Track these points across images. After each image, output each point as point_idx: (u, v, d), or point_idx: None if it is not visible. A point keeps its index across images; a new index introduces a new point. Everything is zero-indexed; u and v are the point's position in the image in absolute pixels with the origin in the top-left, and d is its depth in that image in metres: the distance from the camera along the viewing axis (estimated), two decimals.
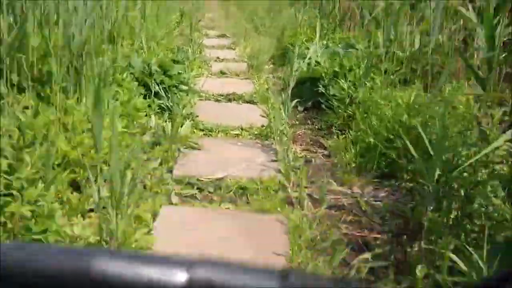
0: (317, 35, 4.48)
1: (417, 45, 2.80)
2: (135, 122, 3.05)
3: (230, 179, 2.49)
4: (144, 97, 3.56)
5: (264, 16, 7.05)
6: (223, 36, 6.97)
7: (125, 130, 2.65)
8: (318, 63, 4.06)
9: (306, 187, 2.49)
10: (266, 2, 8.16)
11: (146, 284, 0.28)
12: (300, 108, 3.84)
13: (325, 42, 4.57)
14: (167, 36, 5.04)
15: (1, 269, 0.29)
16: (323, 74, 3.69)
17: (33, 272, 0.29)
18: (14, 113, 2.08)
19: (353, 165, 2.75)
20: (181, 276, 0.28)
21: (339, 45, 4.44)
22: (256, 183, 2.45)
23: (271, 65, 5.28)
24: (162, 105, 3.57)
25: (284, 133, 2.98)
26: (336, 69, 3.50)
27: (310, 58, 4.00)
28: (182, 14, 6.74)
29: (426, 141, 2.04)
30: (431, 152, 1.95)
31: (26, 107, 2.28)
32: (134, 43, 4.15)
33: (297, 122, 3.60)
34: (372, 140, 2.63)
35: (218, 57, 5.54)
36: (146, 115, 3.31)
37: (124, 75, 3.50)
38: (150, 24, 4.62)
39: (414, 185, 2.32)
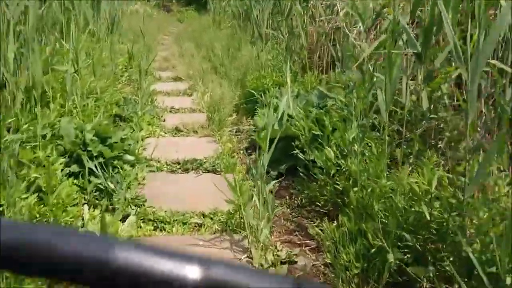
0: (288, 81, 3.82)
1: (425, 102, 2.16)
2: (60, 221, 2.28)
3: None
4: (77, 177, 2.80)
5: (222, 54, 6.39)
6: (178, 79, 6.26)
7: None
8: (291, 116, 3.41)
9: None
10: (224, 37, 7.55)
11: (163, 277, 0.28)
12: (273, 173, 3.15)
13: (295, 88, 3.93)
14: (111, 87, 4.29)
15: (20, 251, 0.29)
16: (300, 134, 3.02)
17: (51, 256, 0.29)
18: None
19: (355, 271, 2.06)
20: (197, 273, 0.29)
21: (312, 92, 3.81)
22: None
23: (235, 115, 4.59)
24: (101, 185, 2.81)
25: (258, 228, 2.26)
26: (316, 131, 2.83)
27: (282, 113, 3.33)
28: (130, 57, 6.00)
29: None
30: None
31: None
32: (65, 103, 3.37)
33: (271, 195, 2.90)
34: (378, 241, 1.95)
35: (173, 107, 4.81)
36: (78, 204, 2.55)
37: (49, 151, 2.73)
38: (87, 75, 3.87)
39: None
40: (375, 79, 2.44)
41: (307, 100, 3.69)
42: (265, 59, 5.00)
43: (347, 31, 3.93)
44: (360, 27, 3.83)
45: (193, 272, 0.29)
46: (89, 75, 3.89)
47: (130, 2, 12.82)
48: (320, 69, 4.52)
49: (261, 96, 4.20)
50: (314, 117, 3.23)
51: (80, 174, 2.81)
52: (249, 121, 4.42)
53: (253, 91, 4.39)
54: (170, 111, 4.71)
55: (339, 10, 4.39)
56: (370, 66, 2.77)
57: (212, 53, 6.91)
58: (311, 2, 4.46)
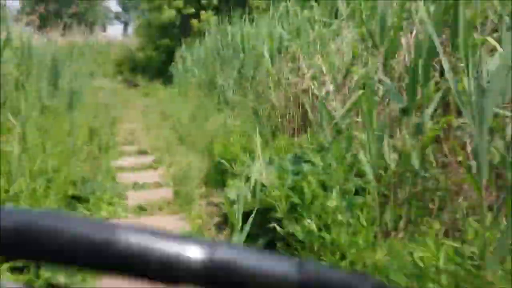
0: (258, 147, 3.55)
1: (415, 160, 1.90)
2: None
3: None
4: (22, 271, 2.38)
5: (189, 124, 6.15)
6: (143, 152, 5.94)
7: None
8: (264, 186, 3.10)
9: None
10: (190, 107, 7.36)
11: (168, 258, 0.29)
12: None
13: (267, 154, 3.66)
14: (67, 165, 3.93)
15: (29, 234, 0.29)
16: (276, 205, 2.71)
17: (59, 239, 0.29)
18: None
19: None
20: (201, 253, 0.29)
21: (286, 157, 3.54)
22: None
23: (204, 188, 4.26)
24: (51, 280, 2.40)
25: None
26: (294, 200, 2.53)
27: (255, 182, 3.03)
28: (91, 132, 5.68)
29: None
30: None
31: None
32: (10, 187, 2.99)
33: None
34: None
35: (136, 183, 4.45)
36: None
37: None
38: (37, 154, 3.52)
39: None
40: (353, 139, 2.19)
41: (281, 166, 3.41)
42: (233, 126, 4.76)
43: (316, 91, 3.75)
44: (329, 85, 3.67)
45: (197, 252, 0.29)
46: (40, 153, 3.54)
47: (95, 78, 12.73)
48: (291, 132, 4.30)
49: (231, 165, 3.91)
50: (291, 185, 2.94)
51: (25, 268, 2.41)
52: (220, 192, 4.10)
53: (222, 160, 4.10)
54: (134, 188, 4.34)
55: (305, 72, 4.26)
56: (344, 125, 2.55)
57: (178, 124, 6.67)
58: (276, 65, 4.31)
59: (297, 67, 4.31)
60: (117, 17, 43.10)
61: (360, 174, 2.39)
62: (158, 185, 4.45)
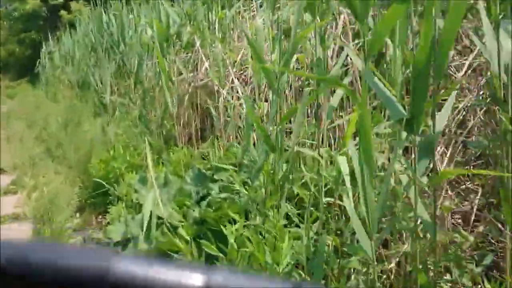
0: (149, 163, 2.69)
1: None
2: None
3: None
4: None
5: (59, 132, 5.02)
6: (0, 172, 4.71)
7: None
8: (161, 218, 2.28)
9: None
10: (61, 111, 6.17)
11: (165, 286, 0.28)
12: None
13: (161, 172, 2.82)
14: None
15: (19, 266, 0.29)
16: (183, 252, 1.90)
17: (53, 269, 0.29)
18: None
19: None
20: (198, 280, 0.28)
21: (187, 174, 2.74)
22: None
23: (79, 216, 3.28)
24: None
25: None
26: (209, 249, 1.74)
27: (149, 215, 2.19)
28: None
29: None
30: None
31: None
32: None
33: None
34: None
35: None
36: None
37: None
38: None
39: None
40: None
41: (181, 188, 2.60)
42: (114, 134, 3.81)
43: (220, 88, 2.99)
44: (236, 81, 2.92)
45: (194, 279, 0.28)
46: None
47: None
48: (188, 141, 3.49)
49: (113, 187, 3.00)
50: (198, 217, 2.16)
51: None
52: (101, 222, 3.17)
53: (101, 181, 3.17)
54: None
55: (201, 65, 3.47)
56: (278, 132, 1.83)
57: (46, 133, 5.48)
58: (168, 56, 3.44)
59: (192, 59, 3.51)
60: None
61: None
62: (14, 217, 3.37)
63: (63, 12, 12.91)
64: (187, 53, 3.59)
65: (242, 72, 3.05)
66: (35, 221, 3.13)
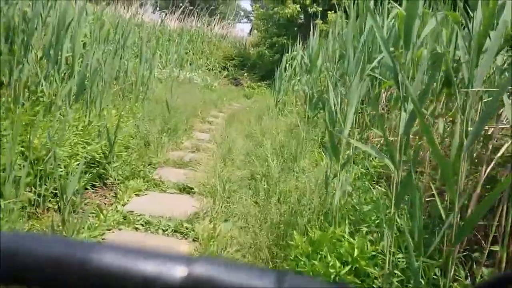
0: None
1: None
2: None
3: None
4: None
5: (272, 159, 3.79)
6: (187, 190, 3.72)
7: None
8: None
9: None
10: (283, 128, 5.02)
11: (146, 277, 0.28)
12: None
13: None
14: None
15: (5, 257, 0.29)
16: None
17: (32, 261, 0.29)
18: None
19: None
20: (180, 271, 0.28)
21: None
22: None
23: None
24: None
25: None
26: None
27: None
28: (111, 144, 3.59)
29: None
30: None
31: None
32: None
33: None
34: None
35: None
36: None
37: None
38: None
39: None
40: None
41: None
42: (345, 201, 2.29)
43: None
44: None
45: (175, 270, 0.28)
46: None
47: (186, 69, 10.91)
48: None
49: None
50: None
51: None
52: None
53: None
54: None
55: None
56: None
57: (257, 152, 4.35)
58: None
59: None
60: (247, 16, 42.13)
61: None
62: None
63: (318, 21, 12.22)
64: None
65: None
66: None
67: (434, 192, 1.79)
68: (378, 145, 3.15)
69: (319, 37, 7.51)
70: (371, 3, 3.22)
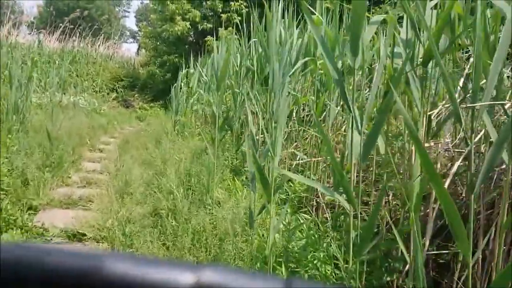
0: None
1: None
2: None
3: None
4: None
5: (176, 192, 3.32)
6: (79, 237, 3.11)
7: None
8: None
9: None
10: (187, 153, 4.54)
11: (155, 285, 0.27)
12: None
13: None
14: None
15: (10, 268, 0.29)
16: None
17: (45, 271, 0.28)
18: None
19: None
20: (189, 278, 0.28)
21: None
22: None
23: None
24: None
25: None
26: None
27: None
28: None
29: None
30: None
31: None
32: None
33: None
34: None
35: None
36: None
37: None
38: None
39: None
40: None
41: None
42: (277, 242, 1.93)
43: None
44: None
45: (183, 277, 0.28)
46: None
47: (68, 93, 9.97)
48: None
49: None
50: None
51: None
52: None
53: None
54: None
55: None
56: None
57: (159, 183, 3.84)
58: None
59: None
60: (133, 36, 40.83)
61: None
62: None
63: (209, 38, 11.96)
64: None
65: None
66: None
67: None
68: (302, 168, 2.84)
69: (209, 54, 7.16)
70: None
